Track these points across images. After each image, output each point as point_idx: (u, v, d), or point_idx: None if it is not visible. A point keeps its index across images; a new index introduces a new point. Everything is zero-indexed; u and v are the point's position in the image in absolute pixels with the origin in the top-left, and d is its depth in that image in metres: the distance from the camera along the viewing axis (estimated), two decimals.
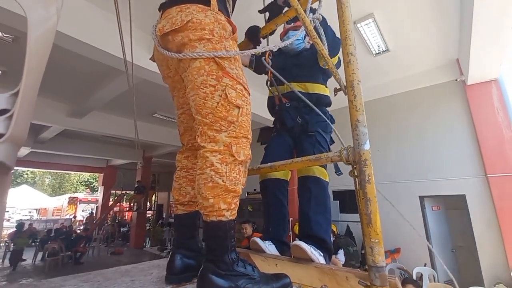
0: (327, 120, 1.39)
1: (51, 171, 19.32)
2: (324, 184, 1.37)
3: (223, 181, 0.80)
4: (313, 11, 1.09)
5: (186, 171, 1.09)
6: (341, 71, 1.04)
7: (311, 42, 1.59)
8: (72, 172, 18.91)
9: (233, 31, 0.95)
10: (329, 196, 1.38)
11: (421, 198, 5.12)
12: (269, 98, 1.64)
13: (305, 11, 0.99)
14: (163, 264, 1.09)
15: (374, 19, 3.80)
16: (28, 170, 21.95)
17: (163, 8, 0.98)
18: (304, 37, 1.59)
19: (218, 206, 0.80)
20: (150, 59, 1.14)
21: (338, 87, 0.93)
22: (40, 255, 8.64)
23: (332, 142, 1.53)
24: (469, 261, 4.84)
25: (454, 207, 5.25)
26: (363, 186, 0.73)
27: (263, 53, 1.42)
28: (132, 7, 1.76)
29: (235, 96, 0.85)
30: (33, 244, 9.53)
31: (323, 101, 1.51)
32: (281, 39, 1.63)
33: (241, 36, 1.25)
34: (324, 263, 1.12)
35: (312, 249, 1.07)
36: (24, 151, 9.37)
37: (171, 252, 1.00)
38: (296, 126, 1.47)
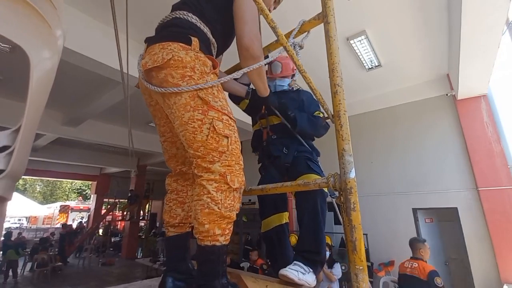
0: (311, 149, 1.49)
1: (43, 178, 19.02)
2: (324, 194, 1.39)
3: (218, 208, 0.83)
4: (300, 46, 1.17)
5: (176, 194, 1.12)
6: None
7: (295, 87, 1.76)
8: (65, 180, 18.63)
9: (214, 66, 0.98)
10: (326, 209, 1.40)
11: (414, 211, 5.17)
12: (256, 131, 1.70)
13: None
14: (155, 284, 1.10)
15: (367, 36, 3.92)
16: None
17: (148, 42, 1.01)
18: (288, 84, 1.76)
19: (213, 231, 0.82)
20: (135, 86, 1.17)
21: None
22: (29, 265, 8.44)
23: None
24: (462, 273, 4.85)
25: (447, 220, 5.30)
26: (348, 213, 0.76)
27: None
28: (128, 18, 1.80)
29: (222, 127, 0.89)
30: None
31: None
32: (267, 77, 1.72)
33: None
34: (314, 278, 1.15)
35: (300, 274, 1.10)
36: None
37: (162, 275, 1.01)
38: (282, 157, 1.52)
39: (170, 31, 1.00)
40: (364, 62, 4.57)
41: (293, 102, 1.58)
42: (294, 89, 1.76)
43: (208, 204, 0.83)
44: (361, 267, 0.72)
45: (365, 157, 5.77)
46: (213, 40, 1.06)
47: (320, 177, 1.37)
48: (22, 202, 16.83)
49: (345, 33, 3.92)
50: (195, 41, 0.94)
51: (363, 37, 3.94)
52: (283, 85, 1.74)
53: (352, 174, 0.79)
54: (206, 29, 1.03)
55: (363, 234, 5.37)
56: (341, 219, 0.96)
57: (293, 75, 1.80)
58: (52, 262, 7.88)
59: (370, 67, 4.73)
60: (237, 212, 0.89)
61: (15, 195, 17.19)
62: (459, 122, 4.96)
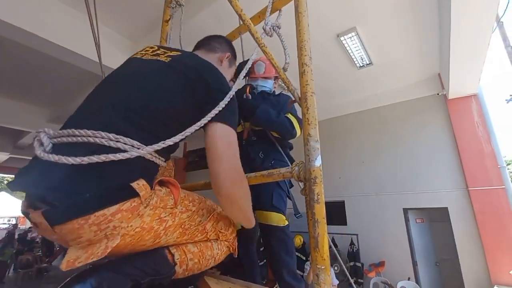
0: (288, 162, 1.51)
1: None
2: (285, 230, 1.42)
3: None
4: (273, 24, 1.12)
5: None
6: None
7: (277, 92, 1.78)
8: None
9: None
10: (292, 238, 1.46)
11: (405, 211, 5.12)
12: (239, 132, 1.66)
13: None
14: None
15: (357, 33, 3.86)
16: (7, 176, 21.13)
17: None
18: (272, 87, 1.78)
19: None
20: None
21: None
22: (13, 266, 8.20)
23: (291, 185, 1.61)
24: (453, 274, 4.81)
25: (437, 220, 5.27)
26: (311, 206, 0.67)
27: (244, 89, 1.53)
28: (103, 5, 1.70)
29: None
30: None
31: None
32: (250, 77, 1.73)
33: None
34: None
35: None
36: (3, 157, 9.01)
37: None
38: (257, 161, 1.53)
39: None
40: (355, 59, 4.51)
41: (273, 106, 1.57)
42: (276, 93, 1.75)
43: None
44: (323, 267, 0.63)
45: (355, 156, 5.72)
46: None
47: (280, 214, 1.42)
48: (12, 202, 16.50)
49: (336, 30, 3.85)
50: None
51: (353, 33, 3.87)
52: (266, 86, 1.72)
53: (318, 162, 0.70)
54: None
55: (354, 234, 5.34)
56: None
57: (276, 77, 1.77)
58: (37, 263, 7.66)
59: (361, 65, 4.67)
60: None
61: (4, 195, 16.85)
62: (450, 121, 4.93)
